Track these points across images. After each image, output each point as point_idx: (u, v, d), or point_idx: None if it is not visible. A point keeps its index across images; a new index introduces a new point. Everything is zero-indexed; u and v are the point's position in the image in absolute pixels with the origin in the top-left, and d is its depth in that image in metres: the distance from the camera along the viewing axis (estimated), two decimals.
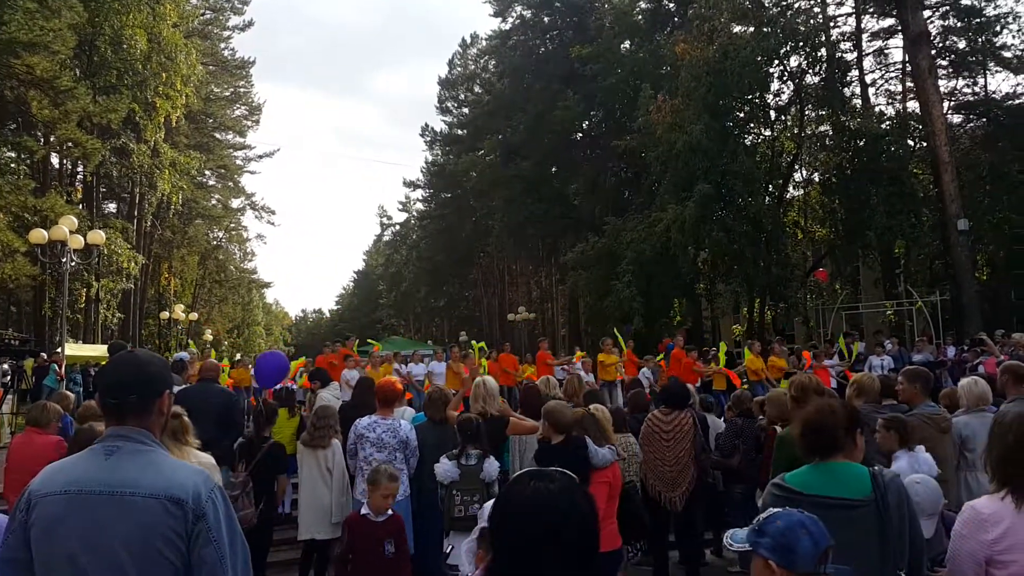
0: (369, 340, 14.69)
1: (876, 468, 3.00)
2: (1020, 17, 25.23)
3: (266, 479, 6.18)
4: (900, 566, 2.76)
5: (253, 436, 6.51)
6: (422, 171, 61.75)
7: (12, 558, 2.09)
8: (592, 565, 1.64)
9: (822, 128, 24.57)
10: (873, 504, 2.83)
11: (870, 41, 28.50)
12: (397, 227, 76.63)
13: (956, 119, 27.34)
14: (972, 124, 27.97)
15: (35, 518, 2.07)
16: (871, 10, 27.14)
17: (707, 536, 8.02)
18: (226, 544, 2.10)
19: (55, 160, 34.04)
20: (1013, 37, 25.58)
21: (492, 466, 5.54)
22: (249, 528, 5.99)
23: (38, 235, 17.31)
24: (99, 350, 23.75)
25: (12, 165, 29.68)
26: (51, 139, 30.74)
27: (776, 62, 22.61)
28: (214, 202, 51.56)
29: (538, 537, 1.59)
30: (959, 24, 25.44)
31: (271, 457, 6.29)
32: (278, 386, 10.40)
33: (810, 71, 23.08)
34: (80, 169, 35.83)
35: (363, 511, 4.94)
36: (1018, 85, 34.00)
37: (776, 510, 2.17)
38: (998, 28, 25.06)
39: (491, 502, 2.58)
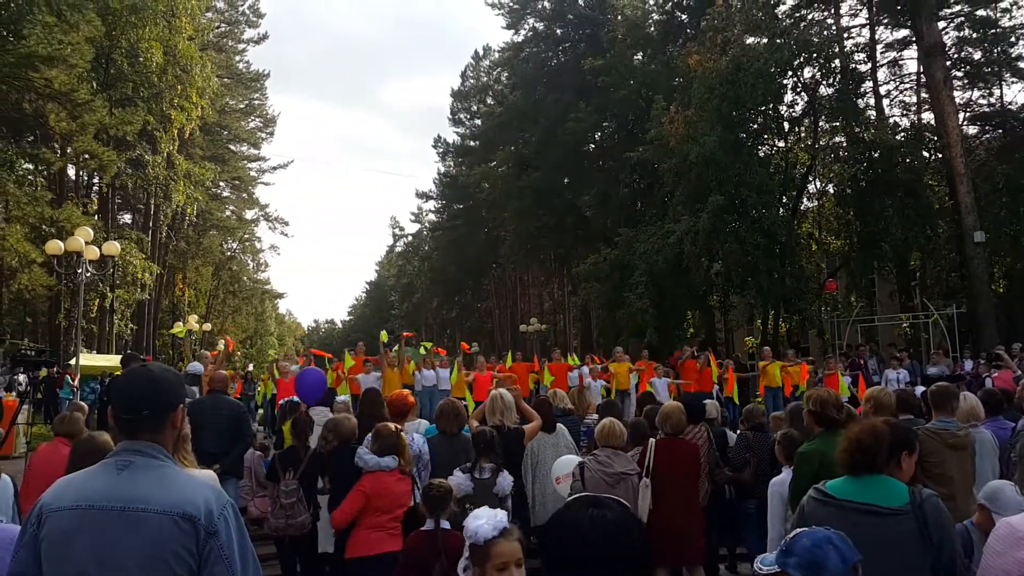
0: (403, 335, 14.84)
1: (916, 487, 3.11)
2: None
3: (312, 487, 6.21)
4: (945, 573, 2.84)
5: (296, 445, 6.52)
6: (434, 182, 62.03)
7: (23, 572, 2.08)
8: None
9: (836, 139, 24.46)
10: (911, 514, 2.94)
11: (884, 52, 28.37)
12: (409, 238, 76.93)
13: (972, 130, 27.13)
14: (988, 135, 27.74)
15: (46, 532, 2.06)
16: (885, 21, 27.02)
17: (721, 552, 7.93)
18: (237, 561, 2.09)
19: (72, 172, 34.44)
20: None
21: (505, 480, 5.50)
22: (301, 535, 6.04)
23: (54, 246, 17.45)
24: (114, 360, 23.88)
25: (30, 177, 30.03)
26: (68, 151, 31.08)
27: (790, 73, 22.55)
28: (228, 213, 51.94)
29: (593, 563, 1.66)
30: (974, 35, 25.27)
31: (315, 465, 6.31)
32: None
33: (824, 82, 23.00)
34: (96, 181, 36.17)
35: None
36: None
37: (802, 529, 2.17)
38: (1014, 39, 24.89)
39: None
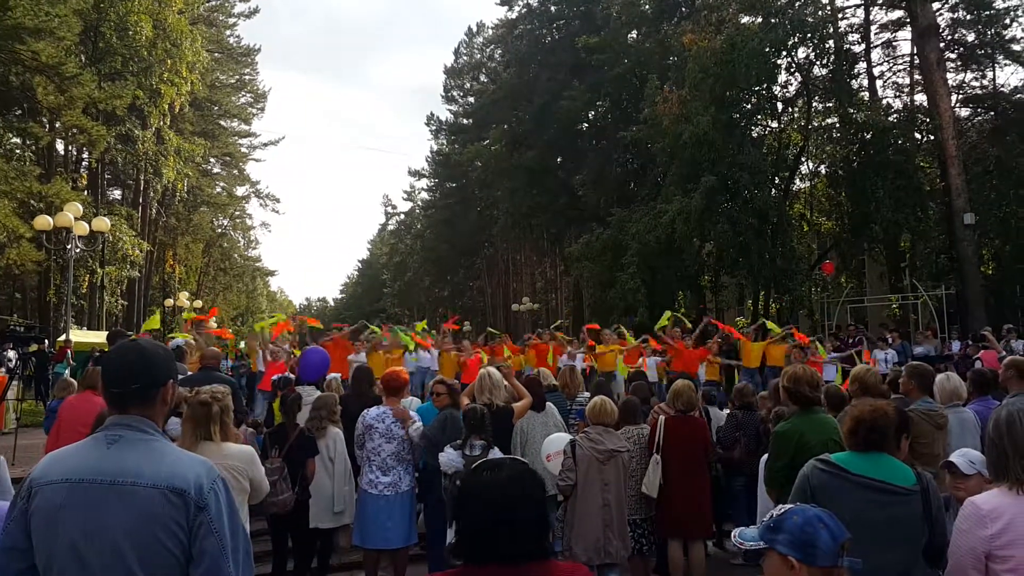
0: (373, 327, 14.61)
1: (917, 468, 3.28)
2: None
3: (297, 464, 6.26)
4: (941, 551, 2.94)
5: (285, 423, 6.56)
6: (427, 160, 61.75)
7: (12, 546, 2.09)
8: (543, 541, 1.87)
9: (829, 120, 24.46)
10: (919, 495, 3.11)
11: (878, 33, 28.26)
12: (402, 216, 76.65)
13: (964, 112, 27.14)
14: (980, 118, 27.76)
15: (35, 506, 2.07)
16: (880, 2, 26.89)
17: None
18: (227, 535, 2.10)
19: (60, 147, 34.09)
20: (1022, 30, 25.43)
21: (495, 456, 5.56)
22: (286, 512, 6.08)
23: (43, 221, 17.36)
24: (103, 337, 23.81)
25: (17, 151, 29.72)
26: (56, 125, 30.76)
27: (784, 54, 22.48)
28: (219, 190, 51.60)
29: (491, 519, 1.81)
30: (968, 17, 25.20)
31: (302, 442, 6.37)
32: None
33: (818, 63, 22.96)
34: (85, 156, 35.83)
35: None
36: None
37: (789, 506, 2.18)
38: (1007, 21, 24.83)
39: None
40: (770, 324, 15.88)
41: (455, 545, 1.89)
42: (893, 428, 3.23)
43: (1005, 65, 26.75)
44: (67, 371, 15.48)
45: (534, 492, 1.88)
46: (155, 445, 2.15)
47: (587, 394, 7.92)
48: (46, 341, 21.32)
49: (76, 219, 17.17)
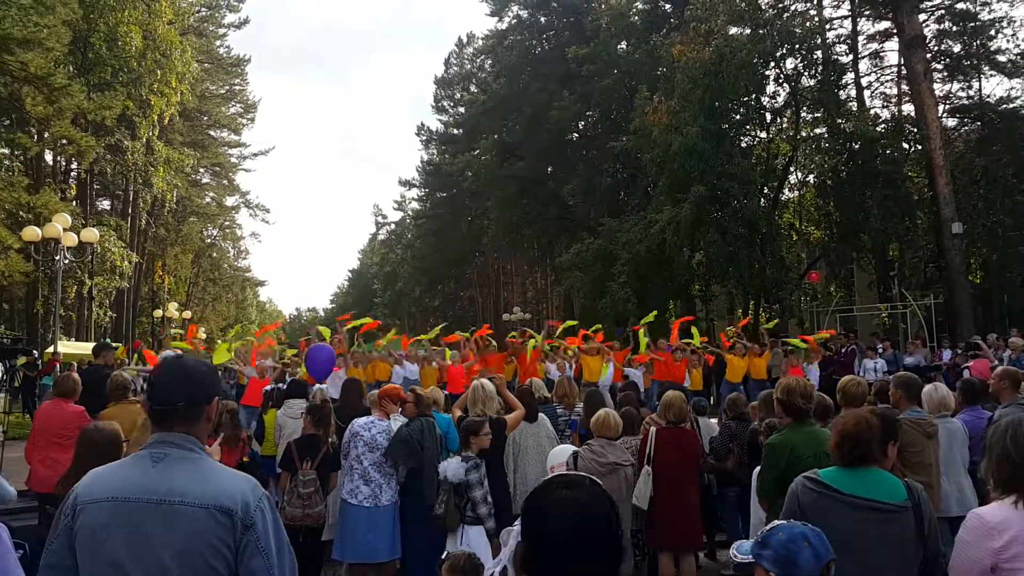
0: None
1: (907, 480, 3.18)
2: (1015, 22, 25.35)
3: (325, 477, 6.25)
4: (937, 567, 2.91)
5: (316, 434, 6.47)
6: (417, 170, 61.71)
7: (57, 564, 2.07)
8: (617, 565, 1.76)
9: (817, 130, 24.64)
10: (910, 511, 3.01)
11: (866, 44, 28.54)
12: (392, 226, 76.61)
13: (951, 122, 27.39)
14: (967, 128, 28.01)
15: (80, 525, 2.06)
16: (867, 13, 27.14)
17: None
18: (274, 553, 2.10)
19: (49, 157, 33.93)
20: (1007, 41, 25.76)
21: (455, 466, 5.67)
22: (315, 525, 6.04)
23: (31, 232, 17.25)
24: (91, 348, 23.63)
25: (6, 162, 29.52)
26: (45, 136, 30.61)
27: (772, 64, 22.63)
28: (208, 200, 51.43)
29: (564, 544, 1.70)
30: (954, 28, 25.49)
31: (333, 455, 6.35)
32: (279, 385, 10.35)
33: (806, 73, 23.12)
34: (74, 166, 35.65)
35: None
36: (1012, 89, 34.17)
37: (779, 522, 2.18)
38: (993, 32, 25.12)
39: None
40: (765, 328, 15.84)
41: (524, 560, 1.81)
42: (878, 439, 3.16)
43: (991, 76, 27.06)
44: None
45: (611, 514, 1.79)
46: (200, 463, 2.15)
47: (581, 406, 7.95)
48: (35, 353, 21.15)
49: (65, 230, 17.06)
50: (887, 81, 29.56)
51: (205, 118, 48.21)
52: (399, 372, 14.41)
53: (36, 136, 30.52)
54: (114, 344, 16.87)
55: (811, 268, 25.22)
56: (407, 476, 6.26)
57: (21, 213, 26.71)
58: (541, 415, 7.13)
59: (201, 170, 48.14)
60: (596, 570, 1.71)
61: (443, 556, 4.84)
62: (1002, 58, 25.75)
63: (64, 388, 6.61)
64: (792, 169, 25.65)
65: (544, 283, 50.55)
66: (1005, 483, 2.67)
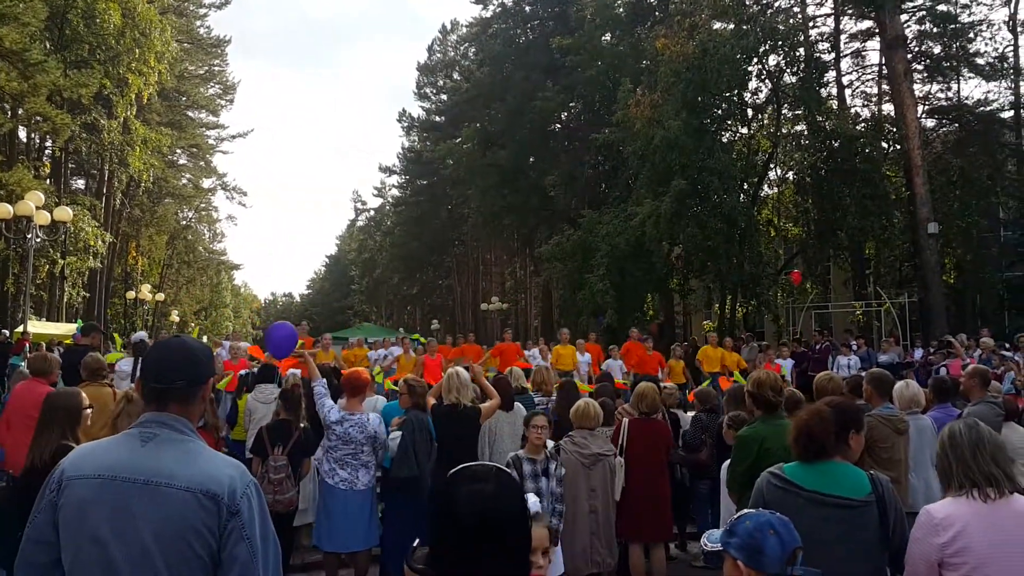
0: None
1: (872, 472, 3.17)
2: (993, 25, 25.60)
3: (297, 462, 6.18)
4: (900, 559, 2.90)
5: (289, 418, 6.38)
6: (398, 157, 61.48)
7: (39, 538, 2.05)
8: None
9: (798, 128, 24.76)
10: (874, 504, 3.02)
11: (848, 43, 28.72)
12: (371, 212, 76.33)
13: (929, 123, 27.65)
14: (944, 129, 28.31)
15: (64, 500, 2.03)
16: (850, 11, 27.28)
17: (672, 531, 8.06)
18: (259, 541, 2.07)
19: (23, 134, 33.39)
20: (986, 44, 25.95)
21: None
22: (286, 512, 5.98)
23: (3, 210, 16.96)
24: (63, 328, 23.33)
25: None
26: (19, 112, 30.07)
27: (755, 60, 22.69)
28: (185, 181, 50.81)
29: (473, 536, 1.65)
30: (935, 29, 25.70)
31: (305, 440, 6.28)
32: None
33: (788, 70, 23.20)
34: (48, 144, 35.10)
35: None
36: (990, 92, 34.51)
37: (747, 511, 2.20)
38: (972, 35, 25.37)
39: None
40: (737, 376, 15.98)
41: (430, 558, 1.76)
42: (833, 432, 3.13)
43: (969, 78, 27.33)
44: (24, 363, 15.12)
45: (520, 508, 1.76)
46: (190, 446, 2.12)
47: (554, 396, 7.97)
48: (5, 332, 20.84)
49: (37, 208, 16.81)
50: (868, 80, 29.80)
51: (183, 98, 47.63)
52: (372, 356, 14.44)
53: (10, 112, 29.97)
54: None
55: (788, 264, 25.40)
56: (403, 480, 6.20)
57: None
58: (517, 404, 7.13)
59: (178, 151, 47.59)
60: (505, 565, 1.67)
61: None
62: (980, 61, 26.03)
63: (38, 367, 6.45)
64: (772, 165, 25.80)
65: (523, 273, 50.56)
66: (946, 481, 2.78)
